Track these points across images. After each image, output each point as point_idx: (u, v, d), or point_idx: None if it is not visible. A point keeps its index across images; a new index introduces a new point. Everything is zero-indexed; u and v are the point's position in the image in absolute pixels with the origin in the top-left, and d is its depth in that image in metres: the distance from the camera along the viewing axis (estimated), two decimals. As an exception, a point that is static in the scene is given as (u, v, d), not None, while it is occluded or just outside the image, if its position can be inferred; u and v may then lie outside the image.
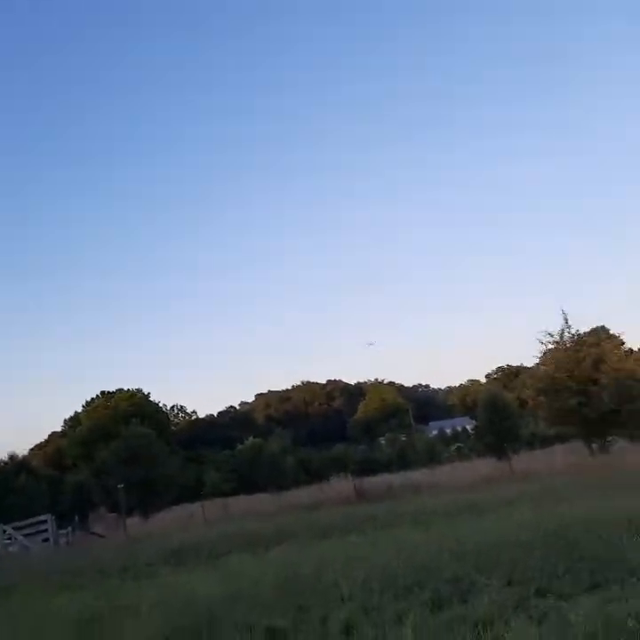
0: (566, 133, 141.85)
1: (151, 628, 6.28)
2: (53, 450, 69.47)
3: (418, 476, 32.69)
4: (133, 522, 34.93)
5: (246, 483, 59.31)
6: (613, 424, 26.79)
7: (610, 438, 27.70)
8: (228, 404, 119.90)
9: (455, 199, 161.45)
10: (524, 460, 27.28)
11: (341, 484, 28.75)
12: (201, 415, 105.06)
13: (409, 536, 10.47)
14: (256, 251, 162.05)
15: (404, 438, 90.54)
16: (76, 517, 31.92)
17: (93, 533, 26.40)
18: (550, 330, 28.32)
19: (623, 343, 31.50)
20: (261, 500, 37.38)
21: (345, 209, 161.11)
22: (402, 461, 66.74)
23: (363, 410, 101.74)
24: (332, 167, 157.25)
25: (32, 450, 75.38)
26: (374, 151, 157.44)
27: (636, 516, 8.32)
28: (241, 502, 36.85)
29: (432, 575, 6.78)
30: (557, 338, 28.11)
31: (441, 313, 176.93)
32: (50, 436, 79.60)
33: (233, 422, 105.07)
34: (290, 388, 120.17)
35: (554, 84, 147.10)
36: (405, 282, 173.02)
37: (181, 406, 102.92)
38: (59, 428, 79.40)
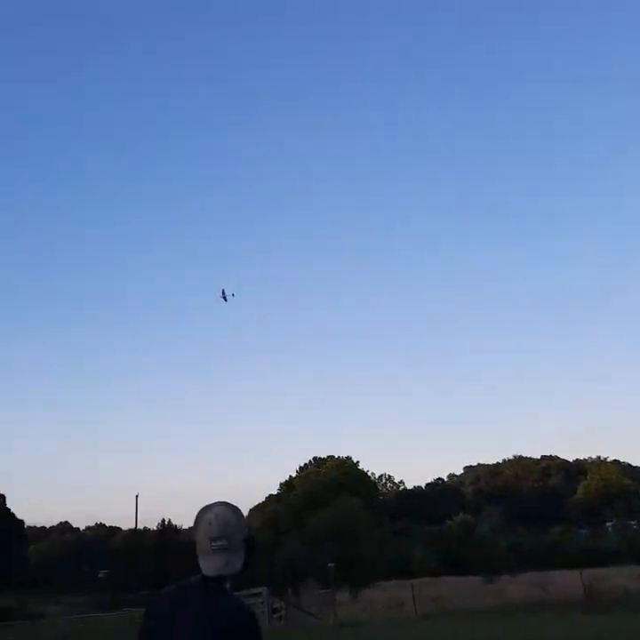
0: None
1: None
2: (271, 512, 72.26)
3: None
4: (344, 598, 35.00)
5: (452, 562, 56.75)
6: None
7: None
8: (436, 476, 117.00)
9: None
10: None
11: (565, 580, 25.70)
12: (408, 486, 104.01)
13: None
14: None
15: (634, 525, 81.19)
16: (290, 591, 32.54)
17: (309, 613, 26.28)
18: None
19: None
20: (472, 587, 35.48)
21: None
22: (632, 553, 59.33)
23: (583, 490, 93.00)
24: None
25: (251, 510, 79.27)
26: None
27: None
28: (450, 586, 35.31)
29: None
30: None
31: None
32: (267, 498, 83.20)
33: (441, 495, 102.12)
34: (500, 461, 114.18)
35: None
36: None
37: (389, 476, 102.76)
38: (275, 491, 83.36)
